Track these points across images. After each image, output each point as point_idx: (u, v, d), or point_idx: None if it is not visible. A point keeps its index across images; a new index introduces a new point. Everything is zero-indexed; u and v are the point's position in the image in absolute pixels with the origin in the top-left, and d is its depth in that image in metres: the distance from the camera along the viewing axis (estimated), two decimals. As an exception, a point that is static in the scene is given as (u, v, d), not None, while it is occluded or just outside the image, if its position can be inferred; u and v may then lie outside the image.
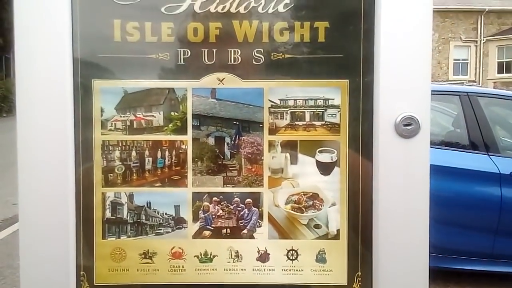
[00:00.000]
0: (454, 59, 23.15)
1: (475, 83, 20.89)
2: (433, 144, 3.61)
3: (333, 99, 0.99)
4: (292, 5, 0.97)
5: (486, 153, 3.44)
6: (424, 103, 0.96)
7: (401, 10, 0.94)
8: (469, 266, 3.33)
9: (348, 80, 0.98)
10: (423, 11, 0.95)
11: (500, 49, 22.58)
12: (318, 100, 0.99)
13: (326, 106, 0.99)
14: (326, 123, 1.00)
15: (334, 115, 0.99)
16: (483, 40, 22.90)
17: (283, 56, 0.98)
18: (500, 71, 22.47)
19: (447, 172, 3.32)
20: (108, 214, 1.00)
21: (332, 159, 1.00)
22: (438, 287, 3.37)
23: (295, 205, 1.00)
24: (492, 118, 3.74)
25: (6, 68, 22.51)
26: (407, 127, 0.94)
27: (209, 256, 1.01)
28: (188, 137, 1.00)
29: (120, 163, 1.00)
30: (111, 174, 1.00)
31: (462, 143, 3.63)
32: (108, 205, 1.00)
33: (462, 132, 3.67)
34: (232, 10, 0.97)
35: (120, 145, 1.00)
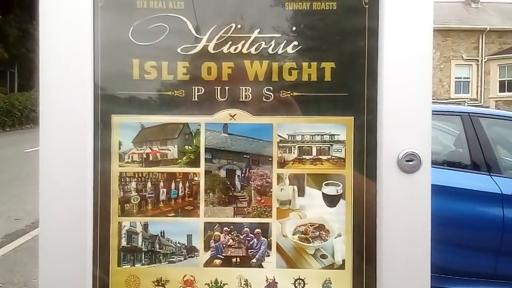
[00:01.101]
0: (456, 78, 23.29)
1: (477, 101, 20.97)
2: (435, 163, 3.64)
3: (339, 134, 1.04)
4: (300, 47, 1.03)
5: (488, 173, 3.44)
6: (425, 140, 1.01)
7: (403, 54, 1.00)
8: (471, 287, 3.34)
9: (353, 117, 1.04)
10: (424, 55, 1.01)
11: (502, 67, 22.73)
12: (325, 136, 1.05)
13: (332, 142, 1.04)
14: (332, 157, 1.05)
15: (340, 150, 1.04)
16: (485, 59, 23.07)
17: (291, 94, 1.04)
18: (502, 89, 22.58)
19: (449, 192, 3.33)
20: (123, 242, 1.05)
21: (337, 192, 1.05)
22: (441, 308, 3.38)
23: (302, 235, 1.05)
24: (494, 138, 3.74)
25: (11, 83, 22.71)
26: (409, 163, 1.00)
27: (219, 284, 1.05)
28: (200, 170, 1.05)
29: (136, 193, 1.05)
30: (127, 204, 1.05)
31: (464, 163, 3.63)
32: (124, 234, 1.05)
33: (464, 152, 3.68)
34: (244, 50, 1.03)
35: (137, 176, 1.05)
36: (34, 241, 4.92)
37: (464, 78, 23.44)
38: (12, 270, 4.11)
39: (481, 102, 21.51)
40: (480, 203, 3.36)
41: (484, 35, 23.24)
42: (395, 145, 1.00)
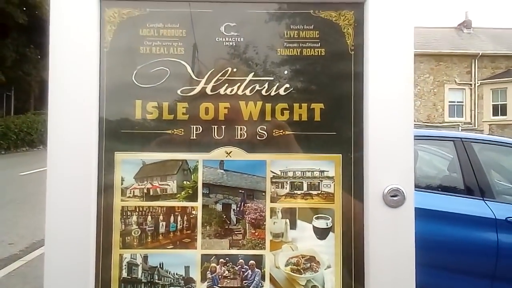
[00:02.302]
0: (450, 101, 23.55)
1: (470, 125, 21.17)
2: (430, 188, 3.69)
3: (328, 171, 1.11)
4: (292, 89, 1.11)
5: (482, 198, 3.47)
6: (408, 176, 1.08)
7: (386, 96, 1.08)
8: None
9: (341, 155, 1.11)
10: (405, 97, 1.08)
11: (495, 92, 23.03)
12: (315, 172, 1.11)
13: (321, 177, 1.11)
14: (322, 192, 1.11)
15: (329, 186, 1.11)
16: (478, 83, 23.39)
17: (283, 132, 1.11)
18: (495, 113, 22.82)
19: (443, 216, 3.35)
20: (124, 274, 1.10)
21: (327, 225, 1.11)
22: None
23: (294, 267, 1.10)
24: (487, 163, 3.79)
25: (7, 105, 22.78)
26: (394, 198, 1.06)
27: None
28: (198, 204, 1.11)
29: (137, 226, 1.10)
30: (128, 237, 1.10)
31: (458, 187, 3.68)
32: (125, 265, 1.10)
33: (457, 176, 3.73)
34: (239, 92, 1.11)
35: (137, 210, 1.11)
36: (27, 266, 4.89)
37: (457, 102, 23.71)
38: (6, 295, 4.10)
39: (475, 126, 21.75)
40: (474, 228, 3.36)
41: (476, 60, 23.63)
42: (380, 181, 1.07)
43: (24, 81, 21.07)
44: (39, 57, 21.38)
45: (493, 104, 22.97)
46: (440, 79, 23.48)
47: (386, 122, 1.08)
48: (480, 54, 23.42)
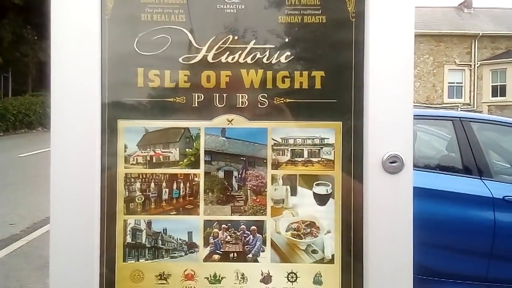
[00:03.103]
0: (449, 83, 23.51)
1: (469, 106, 21.16)
2: (428, 167, 3.71)
3: (328, 138, 1.12)
4: (293, 57, 1.12)
5: (479, 177, 3.51)
6: (407, 143, 1.09)
7: (387, 64, 1.09)
8: None
9: (341, 122, 1.12)
10: (406, 65, 1.09)
11: (494, 72, 22.97)
12: (315, 139, 1.13)
13: (322, 145, 1.13)
14: (322, 159, 1.13)
15: (329, 153, 1.13)
16: (477, 64, 23.30)
17: (284, 100, 1.12)
18: (494, 94, 22.80)
19: (441, 196, 3.38)
20: (128, 239, 1.12)
21: (327, 192, 1.13)
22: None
23: (295, 232, 1.13)
24: (485, 143, 3.80)
25: (4, 87, 22.66)
26: (393, 164, 1.08)
27: (218, 278, 1.12)
28: (200, 171, 1.13)
29: (140, 193, 1.12)
30: (132, 203, 1.12)
31: (456, 167, 3.70)
32: (129, 231, 1.12)
33: (456, 156, 3.75)
34: (241, 60, 1.11)
35: (141, 177, 1.12)
36: (29, 246, 4.95)
37: (457, 83, 23.66)
38: (7, 275, 4.14)
39: (474, 107, 21.73)
40: (472, 207, 3.40)
41: (476, 40, 23.51)
42: (380, 148, 1.09)
43: (21, 63, 20.91)
44: (36, 38, 21.17)
45: (492, 85, 22.94)
46: (439, 59, 23.38)
47: (386, 89, 1.09)
48: (480, 34, 23.29)
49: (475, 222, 3.38)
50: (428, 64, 23.02)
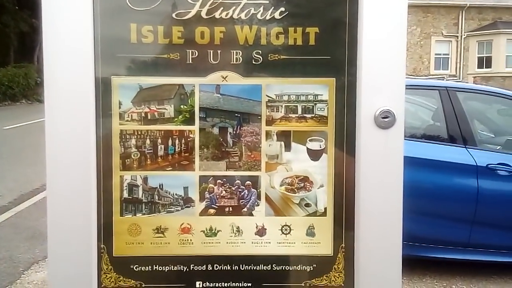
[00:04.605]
0: (436, 54, 23.56)
1: (455, 78, 21.28)
2: (414, 137, 3.77)
3: (322, 94, 1.14)
4: (287, 13, 1.12)
5: (464, 146, 3.57)
6: (399, 98, 1.11)
7: (381, 21, 1.09)
8: (446, 255, 3.47)
9: (334, 79, 1.13)
10: (399, 22, 1.10)
11: (481, 44, 23.07)
12: (309, 96, 1.14)
13: (315, 101, 1.14)
14: (316, 115, 1.15)
15: (323, 109, 1.14)
16: (464, 35, 23.34)
17: (279, 57, 1.13)
18: (480, 66, 22.97)
19: (426, 164, 3.45)
20: (125, 194, 1.14)
21: (320, 147, 1.15)
22: (417, 275, 3.56)
23: (289, 186, 1.15)
24: (470, 112, 3.86)
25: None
26: (385, 120, 1.10)
27: (214, 231, 1.15)
28: (195, 127, 1.14)
29: (136, 149, 1.13)
30: (128, 160, 1.13)
31: (441, 136, 3.76)
32: (125, 186, 1.14)
33: (441, 125, 3.79)
34: (235, 16, 1.11)
35: (136, 134, 1.13)
36: (17, 217, 4.96)
37: (443, 54, 23.73)
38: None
39: (459, 79, 21.87)
40: (456, 175, 3.49)
41: (464, 11, 23.47)
42: (372, 104, 1.11)
43: (2, 33, 20.35)
44: (17, 8, 20.55)
45: (478, 57, 23.07)
46: (427, 31, 23.35)
47: (379, 46, 1.10)
48: (468, 5, 23.24)
49: (459, 189, 3.48)
50: (415, 35, 22.97)
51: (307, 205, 1.16)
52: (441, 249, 3.49)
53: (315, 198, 1.16)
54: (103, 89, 1.11)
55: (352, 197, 1.14)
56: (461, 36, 23.46)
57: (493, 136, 4.25)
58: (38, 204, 5.35)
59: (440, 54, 23.69)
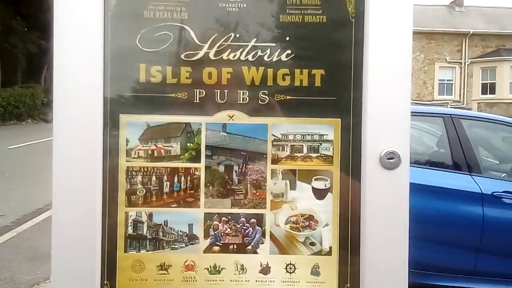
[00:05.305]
0: (439, 80, 23.69)
1: (459, 103, 21.35)
2: (419, 163, 3.76)
3: (327, 134, 1.15)
4: (293, 55, 1.14)
5: (469, 174, 3.55)
6: (404, 140, 1.12)
7: (385, 63, 1.12)
8: (452, 283, 3.38)
9: (340, 119, 1.15)
10: (404, 64, 1.12)
11: (484, 70, 23.19)
12: (314, 135, 1.15)
13: (321, 141, 1.15)
14: (321, 155, 1.16)
15: (328, 149, 1.15)
16: (468, 61, 23.50)
17: (285, 97, 1.15)
18: (484, 92, 23.04)
19: (431, 191, 3.42)
20: (130, 230, 1.14)
21: (326, 186, 1.16)
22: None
23: (294, 225, 1.16)
24: (475, 139, 3.86)
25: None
26: (390, 160, 1.11)
27: (217, 268, 1.15)
28: (201, 165, 1.15)
29: (142, 186, 1.14)
30: (134, 196, 1.14)
31: (446, 163, 3.74)
32: (130, 223, 1.14)
33: (446, 152, 3.79)
34: (242, 58, 1.14)
35: (142, 171, 1.14)
36: (19, 237, 4.93)
37: (447, 80, 23.86)
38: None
39: (463, 104, 21.93)
40: (461, 202, 3.44)
41: (467, 38, 23.69)
42: (378, 144, 1.12)
43: (10, 54, 20.65)
44: (26, 29, 20.91)
45: (482, 83, 23.17)
46: (430, 57, 23.55)
47: (384, 88, 1.12)
48: (471, 32, 23.47)
49: (464, 217, 3.42)
50: (419, 61, 23.15)
51: (312, 243, 1.16)
52: (447, 277, 3.43)
53: (320, 237, 1.16)
54: (111, 126, 1.13)
55: (357, 237, 1.14)
56: (465, 62, 23.63)
57: (498, 162, 4.24)
58: (40, 224, 5.33)
59: (444, 80, 23.81)
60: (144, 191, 1.14)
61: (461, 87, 23.69)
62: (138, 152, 1.14)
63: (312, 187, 1.16)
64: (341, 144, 1.15)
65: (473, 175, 3.51)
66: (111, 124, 1.13)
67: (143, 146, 1.14)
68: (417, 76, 22.99)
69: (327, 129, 1.15)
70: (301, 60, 1.14)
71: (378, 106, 1.12)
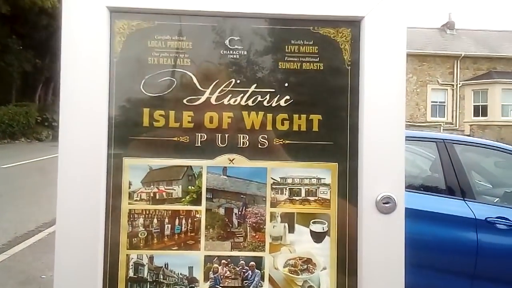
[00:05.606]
0: (432, 101, 23.94)
1: (452, 125, 21.57)
2: (413, 187, 3.79)
3: (325, 178, 1.18)
4: (292, 101, 1.18)
5: (462, 199, 3.60)
6: (399, 184, 1.15)
7: (380, 108, 1.15)
8: None
9: (337, 164, 1.18)
10: (398, 110, 1.16)
11: (476, 93, 23.49)
12: (312, 179, 1.18)
13: (318, 184, 1.18)
14: (319, 198, 1.18)
15: (326, 192, 1.18)
16: (460, 84, 23.81)
17: (283, 141, 1.18)
18: (476, 114, 23.29)
19: (425, 216, 3.46)
20: (131, 273, 1.16)
21: (323, 229, 1.18)
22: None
23: (292, 268, 1.17)
24: (468, 164, 3.90)
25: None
26: (386, 205, 1.14)
27: None
28: (202, 208, 1.17)
29: (143, 228, 1.16)
30: (135, 238, 1.16)
31: (440, 187, 3.79)
32: (132, 265, 1.16)
33: (440, 177, 3.83)
34: (242, 103, 1.17)
35: (144, 213, 1.16)
36: (10, 260, 4.88)
37: (440, 102, 24.12)
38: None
39: (456, 126, 22.17)
40: (455, 228, 3.46)
41: (459, 61, 24.05)
42: (374, 189, 1.15)
43: (5, 72, 20.68)
44: (21, 48, 21.01)
45: (474, 105, 23.43)
46: (423, 79, 23.85)
47: (379, 133, 1.16)
48: (463, 55, 23.85)
49: (458, 242, 3.43)
50: (412, 83, 23.45)
51: (310, 287, 1.17)
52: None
53: (318, 280, 1.17)
54: (114, 169, 1.15)
55: (355, 281, 1.16)
56: (457, 84, 23.94)
57: (490, 187, 4.28)
58: (32, 247, 5.27)
59: (436, 102, 24.08)
60: (146, 234, 1.16)
61: (453, 109, 23.96)
62: (140, 195, 1.16)
63: (310, 230, 1.18)
64: (338, 188, 1.18)
65: (466, 200, 3.54)
66: (114, 166, 1.15)
67: (145, 189, 1.16)
68: (410, 97, 23.26)
69: (324, 173, 1.18)
70: (299, 106, 1.18)
71: (374, 150, 1.15)
